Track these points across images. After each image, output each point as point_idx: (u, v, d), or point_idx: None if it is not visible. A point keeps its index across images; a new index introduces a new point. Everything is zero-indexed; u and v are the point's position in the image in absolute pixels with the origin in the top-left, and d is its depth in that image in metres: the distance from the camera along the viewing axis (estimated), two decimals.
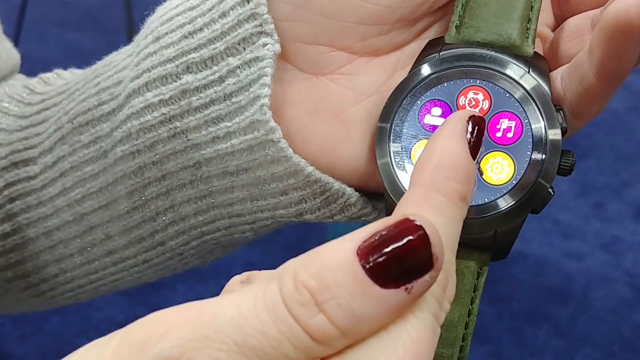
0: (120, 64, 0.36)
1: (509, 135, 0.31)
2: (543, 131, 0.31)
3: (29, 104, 0.40)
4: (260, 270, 0.24)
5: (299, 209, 0.33)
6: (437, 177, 0.23)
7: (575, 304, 1.51)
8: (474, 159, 0.25)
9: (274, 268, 0.22)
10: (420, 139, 0.32)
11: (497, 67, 0.31)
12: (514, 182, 0.30)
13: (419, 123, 0.32)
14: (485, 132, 0.30)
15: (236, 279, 0.24)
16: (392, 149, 0.31)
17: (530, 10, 0.32)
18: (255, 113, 0.31)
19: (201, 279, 1.50)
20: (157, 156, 0.34)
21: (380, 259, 0.20)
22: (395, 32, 0.33)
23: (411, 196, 0.23)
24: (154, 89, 0.33)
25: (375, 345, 0.20)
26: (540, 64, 0.32)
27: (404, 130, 0.32)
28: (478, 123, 0.26)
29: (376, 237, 0.20)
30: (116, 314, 1.47)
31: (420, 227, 0.20)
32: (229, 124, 0.32)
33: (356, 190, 0.33)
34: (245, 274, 0.24)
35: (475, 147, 0.25)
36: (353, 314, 0.20)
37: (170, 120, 0.33)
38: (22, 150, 0.39)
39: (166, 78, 0.33)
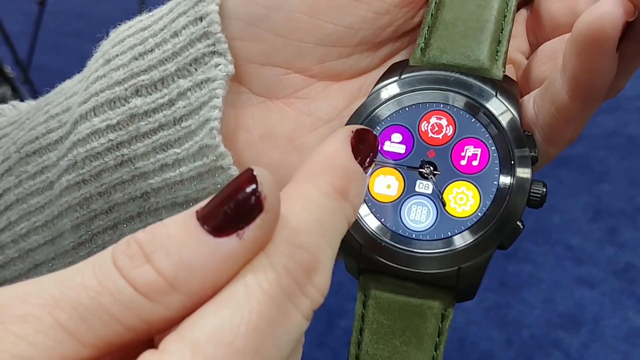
0: (70, 90, 0.34)
1: (474, 163, 0.28)
2: (511, 159, 0.28)
3: None
4: None
5: None
6: (312, 172, 0.23)
7: (586, 331, 1.47)
8: (362, 167, 0.24)
9: None
10: (379, 168, 0.29)
11: (462, 91, 0.29)
12: (479, 214, 0.28)
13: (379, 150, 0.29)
14: (449, 160, 0.29)
15: None
16: None
17: (501, 32, 0.30)
18: (205, 137, 0.29)
19: None
20: (103, 186, 0.32)
21: (214, 210, 0.19)
22: (357, 56, 0.31)
23: (285, 189, 0.22)
24: (102, 114, 0.31)
25: (211, 312, 0.19)
26: (510, 88, 0.29)
27: None
28: (364, 133, 0.24)
29: (214, 198, 0.20)
30: None
31: (249, 171, 0.20)
32: (178, 150, 0.30)
33: None
34: None
35: (364, 155, 0.24)
36: (181, 263, 0.19)
37: (117, 147, 0.31)
38: None
39: (114, 102, 0.31)
